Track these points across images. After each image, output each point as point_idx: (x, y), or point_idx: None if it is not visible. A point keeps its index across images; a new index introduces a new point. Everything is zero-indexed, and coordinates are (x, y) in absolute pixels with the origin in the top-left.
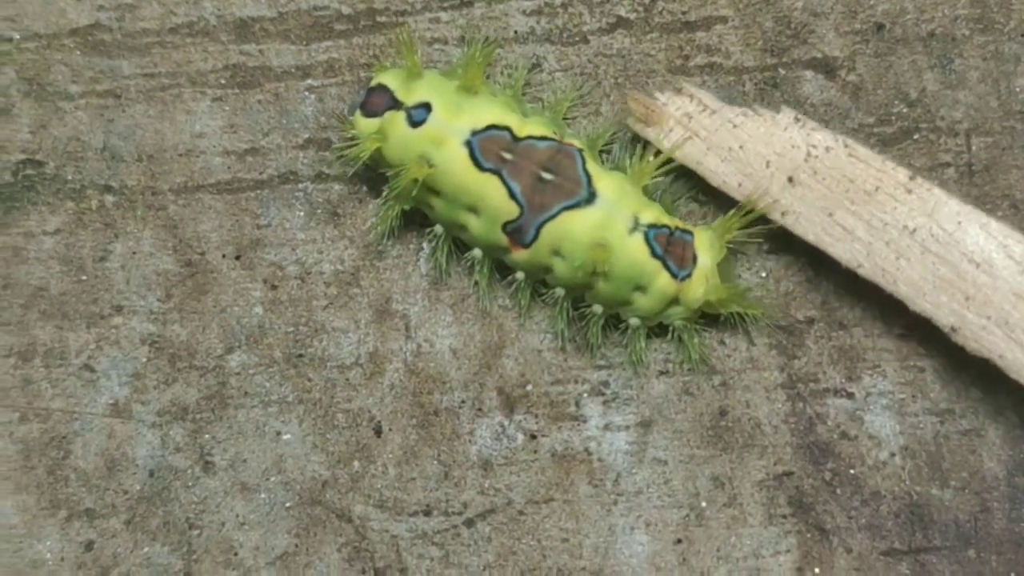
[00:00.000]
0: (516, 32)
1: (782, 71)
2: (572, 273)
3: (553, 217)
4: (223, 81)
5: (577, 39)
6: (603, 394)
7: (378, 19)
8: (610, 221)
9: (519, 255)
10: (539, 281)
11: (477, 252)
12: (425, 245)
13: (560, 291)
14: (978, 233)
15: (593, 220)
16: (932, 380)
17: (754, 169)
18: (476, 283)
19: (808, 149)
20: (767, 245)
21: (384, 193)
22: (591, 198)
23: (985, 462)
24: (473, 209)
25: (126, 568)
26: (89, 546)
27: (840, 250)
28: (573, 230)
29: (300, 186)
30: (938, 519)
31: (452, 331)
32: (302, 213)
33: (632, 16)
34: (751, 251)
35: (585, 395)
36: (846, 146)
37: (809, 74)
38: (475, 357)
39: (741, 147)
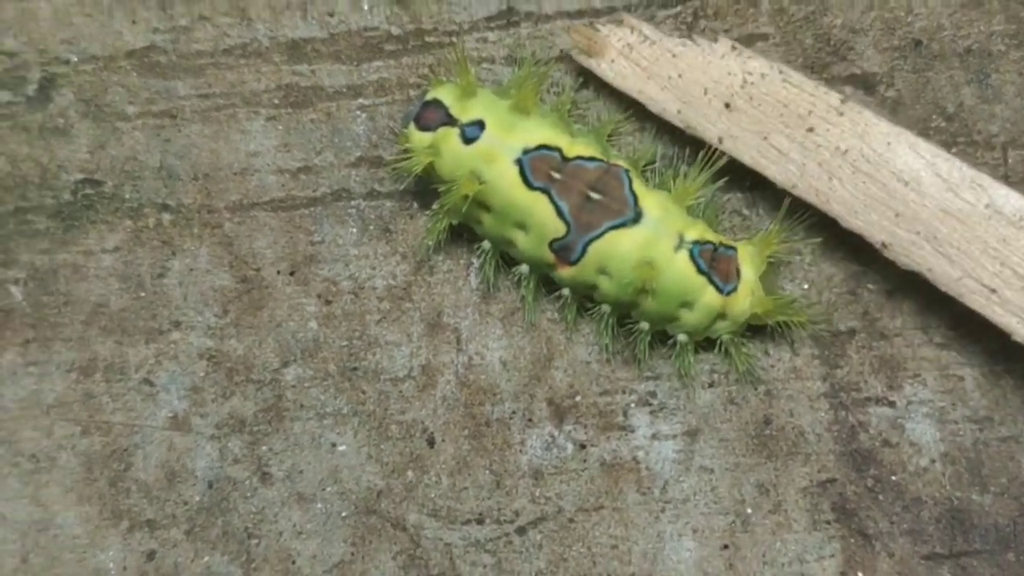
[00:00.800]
0: (562, 51)
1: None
2: (619, 291)
3: (600, 236)
4: (276, 101)
5: None
6: (650, 404)
7: (427, 39)
8: (656, 240)
9: (565, 272)
10: (586, 296)
11: (524, 267)
12: (475, 260)
13: (606, 308)
14: (907, 153)
15: (639, 239)
16: (971, 388)
17: (692, 96)
18: (523, 297)
19: (744, 76)
20: (809, 258)
21: (434, 207)
22: (637, 218)
23: (1023, 467)
24: (521, 226)
25: None
26: (151, 556)
27: (775, 172)
28: (619, 249)
29: (353, 203)
30: (978, 523)
31: (502, 344)
32: (355, 229)
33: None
34: (793, 263)
35: (633, 405)
36: (780, 72)
37: (849, 90)
38: (525, 369)
39: (680, 75)
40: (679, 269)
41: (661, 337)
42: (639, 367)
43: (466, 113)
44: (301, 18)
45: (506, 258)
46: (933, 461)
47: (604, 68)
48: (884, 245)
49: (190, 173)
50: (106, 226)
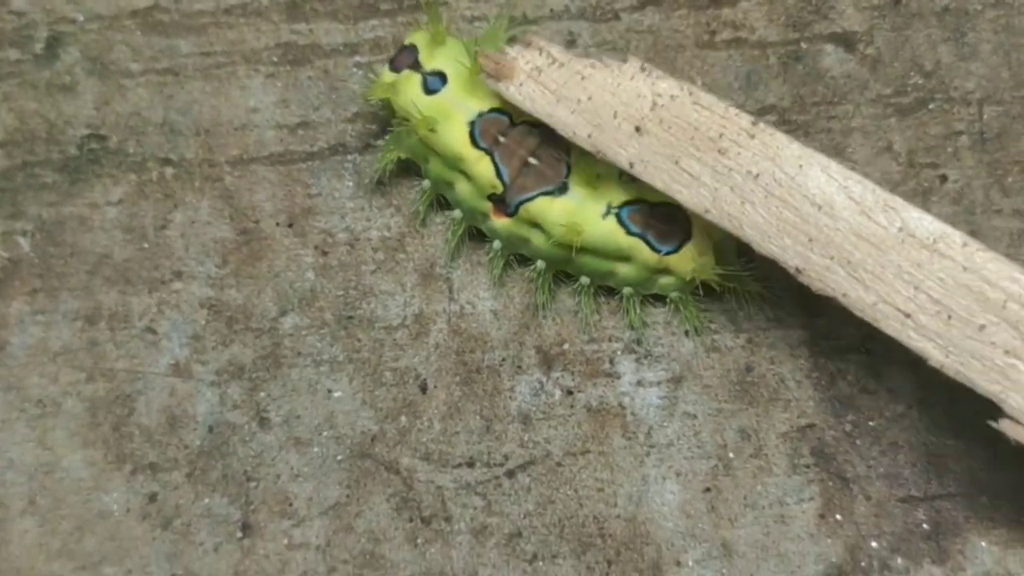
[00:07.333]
0: (552, 10)
1: (804, 45)
2: (550, 246)
3: (531, 199)
4: (275, 59)
5: (609, 16)
6: (635, 352)
7: None
8: (581, 209)
9: (501, 222)
10: (519, 254)
11: (457, 213)
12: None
13: (541, 264)
14: (819, 176)
15: (566, 207)
16: None
17: (602, 119)
18: (447, 242)
19: (654, 98)
20: None
21: (386, 139)
22: (564, 188)
23: (997, 414)
24: (465, 174)
25: (188, 518)
26: (153, 498)
27: (687, 196)
28: (548, 213)
29: (349, 157)
30: (953, 467)
31: (492, 293)
32: (351, 183)
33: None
34: None
35: (619, 353)
36: (690, 94)
37: (830, 48)
38: (514, 318)
39: (589, 98)
40: (606, 232)
41: (611, 292)
42: (583, 325)
43: (431, 61)
44: None
45: (441, 201)
46: (910, 407)
47: (513, 92)
48: (798, 270)
49: (192, 128)
50: (111, 179)
